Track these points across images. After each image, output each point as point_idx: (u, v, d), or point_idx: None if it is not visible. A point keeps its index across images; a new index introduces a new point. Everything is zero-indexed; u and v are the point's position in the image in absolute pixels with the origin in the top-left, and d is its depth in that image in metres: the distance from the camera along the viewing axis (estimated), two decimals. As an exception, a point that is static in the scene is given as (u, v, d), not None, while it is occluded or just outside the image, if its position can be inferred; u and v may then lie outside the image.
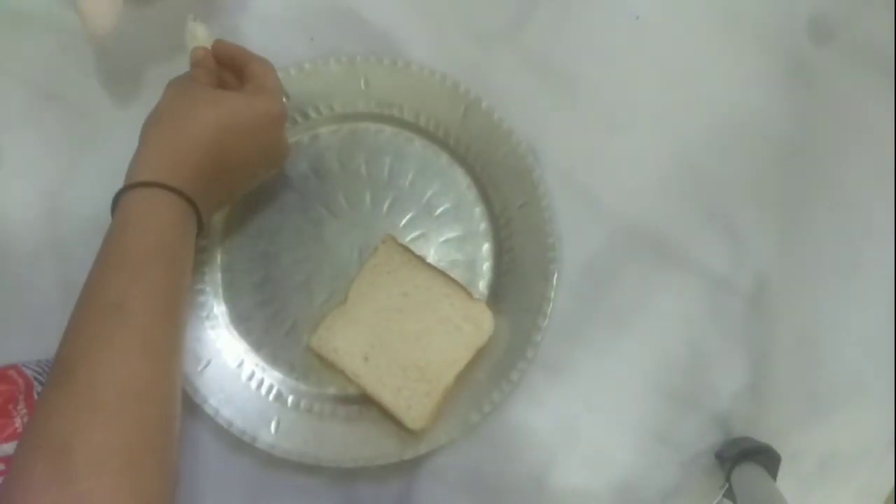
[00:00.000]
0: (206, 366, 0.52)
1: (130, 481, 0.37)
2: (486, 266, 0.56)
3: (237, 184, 0.50)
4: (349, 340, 0.52)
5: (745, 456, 0.53)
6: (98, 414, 0.37)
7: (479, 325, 0.52)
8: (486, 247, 0.56)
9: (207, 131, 0.45)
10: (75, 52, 0.57)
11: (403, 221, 0.56)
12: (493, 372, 0.53)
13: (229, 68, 0.51)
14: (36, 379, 0.47)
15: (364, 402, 0.52)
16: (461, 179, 0.57)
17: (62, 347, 0.40)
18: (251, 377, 0.53)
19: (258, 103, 0.47)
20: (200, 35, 0.52)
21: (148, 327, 0.41)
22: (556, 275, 0.54)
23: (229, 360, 0.53)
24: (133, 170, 0.44)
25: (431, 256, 0.55)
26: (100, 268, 0.42)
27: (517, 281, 0.55)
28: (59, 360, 0.40)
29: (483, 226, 0.57)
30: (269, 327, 0.54)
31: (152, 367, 0.40)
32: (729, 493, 0.53)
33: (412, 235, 0.56)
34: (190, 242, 0.45)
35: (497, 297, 0.55)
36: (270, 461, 0.52)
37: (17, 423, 0.45)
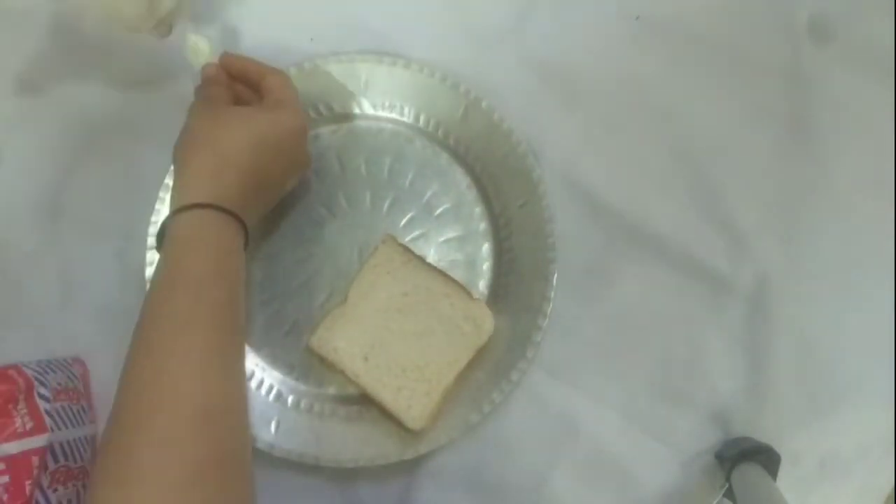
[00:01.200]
0: (206, 366, 0.52)
1: (225, 490, 0.38)
2: (486, 266, 0.56)
3: (272, 196, 0.51)
4: (349, 340, 0.52)
5: (745, 456, 0.53)
6: (188, 430, 0.38)
7: (479, 325, 0.52)
8: (486, 247, 0.56)
9: (243, 152, 0.46)
10: (75, 52, 0.57)
11: (403, 221, 0.56)
12: (493, 372, 0.53)
13: (243, 81, 0.52)
14: (36, 379, 0.48)
15: (364, 402, 0.52)
16: (461, 179, 0.57)
17: (131, 371, 0.40)
18: (251, 377, 0.53)
19: (283, 118, 0.48)
20: (203, 49, 0.52)
21: (218, 343, 0.41)
22: (555, 275, 0.54)
23: (229, 360, 0.53)
24: (180, 194, 0.45)
25: (431, 256, 0.56)
26: (162, 290, 0.42)
27: (517, 281, 0.55)
28: (131, 381, 0.40)
29: (483, 226, 0.57)
30: (269, 327, 0.54)
31: (227, 381, 0.41)
32: (729, 493, 0.53)
33: (412, 235, 0.56)
34: (242, 257, 0.46)
35: (497, 297, 0.55)
36: (270, 461, 0.52)
37: (17, 422, 0.45)
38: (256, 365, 0.53)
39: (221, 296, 0.43)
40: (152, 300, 0.42)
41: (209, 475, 0.37)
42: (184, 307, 0.41)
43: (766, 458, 0.53)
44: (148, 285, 0.52)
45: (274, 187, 0.50)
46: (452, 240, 0.56)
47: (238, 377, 0.43)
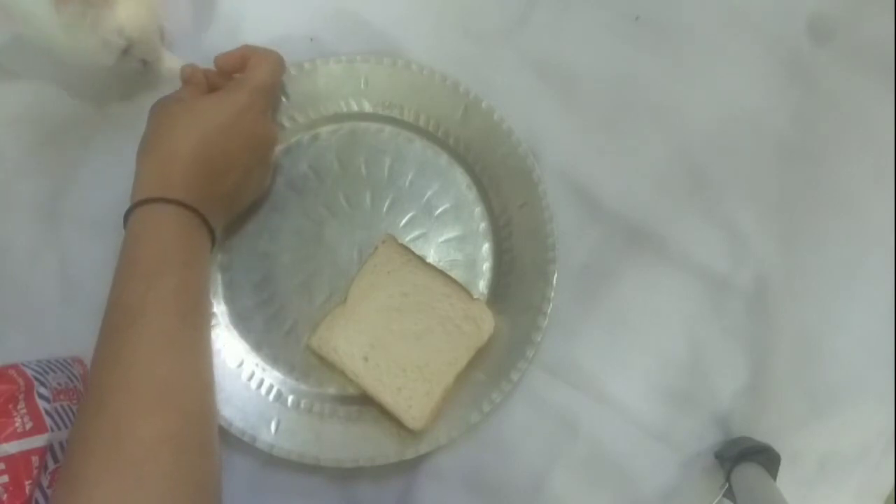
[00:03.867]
0: (206, 366, 0.52)
1: (180, 466, 0.40)
2: (486, 266, 0.56)
3: (237, 184, 0.50)
4: (349, 340, 0.52)
5: (745, 456, 0.53)
6: (140, 408, 0.40)
7: (479, 325, 0.52)
8: (486, 247, 0.56)
9: (189, 138, 0.47)
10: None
11: (403, 221, 0.56)
12: (493, 372, 0.53)
13: (238, 72, 0.52)
14: (36, 378, 0.47)
15: (364, 402, 0.52)
16: (461, 179, 0.57)
17: (95, 358, 0.43)
18: (251, 377, 0.53)
19: (229, 100, 0.49)
20: (177, 69, 0.53)
21: (170, 328, 0.43)
22: (555, 275, 0.54)
23: (229, 360, 0.53)
24: (133, 192, 0.46)
25: (431, 256, 0.56)
26: (117, 282, 0.45)
27: (517, 281, 0.55)
28: (93, 368, 0.43)
29: (483, 226, 0.57)
30: (269, 327, 0.54)
31: (181, 364, 0.43)
32: (729, 493, 0.53)
33: (412, 235, 0.56)
34: (200, 246, 0.47)
35: (497, 297, 0.55)
36: (270, 461, 0.52)
37: (17, 422, 0.45)
38: (256, 365, 0.53)
39: (173, 283, 0.44)
40: (110, 294, 0.44)
41: (162, 452, 0.39)
42: (135, 296, 0.43)
43: (766, 458, 0.53)
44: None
45: (233, 173, 0.49)
46: (452, 240, 0.56)
47: (195, 359, 0.45)
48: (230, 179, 0.49)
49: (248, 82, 0.50)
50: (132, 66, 0.51)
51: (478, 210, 0.57)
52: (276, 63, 0.52)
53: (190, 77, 0.52)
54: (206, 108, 0.48)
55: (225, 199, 0.50)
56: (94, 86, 0.56)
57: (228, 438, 0.51)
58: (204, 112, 0.48)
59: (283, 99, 0.57)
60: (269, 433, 0.51)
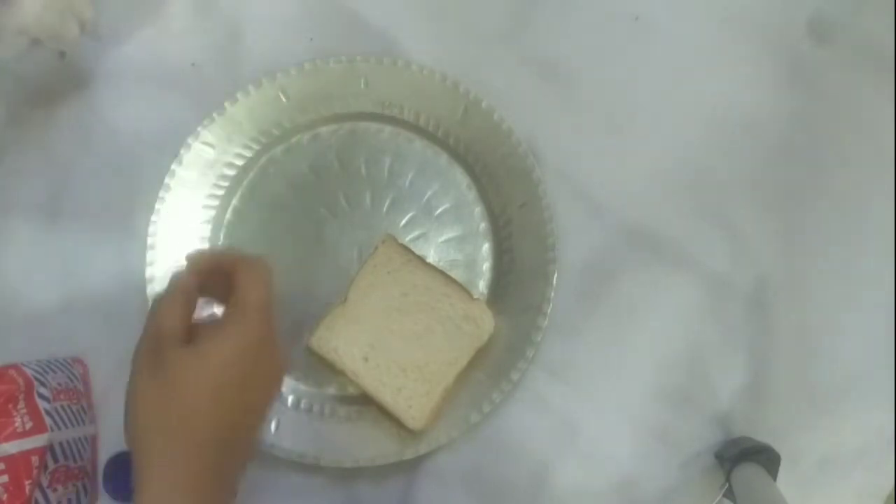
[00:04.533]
0: (206, 366, 0.52)
1: None
2: (486, 266, 0.56)
3: (252, 431, 0.43)
4: (349, 340, 0.52)
5: (745, 456, 0.53)
6: None
7: (479, 324, 0.52)
8: (486, 247, 0.56)
9: (199, 412, 0.39)
10: (75, 52, 0.57)
11: (403, 221, 0.56)
12: (493, 372, 0.53)
13: (216, 275, 0.43)
14: (36, 379, 0.48)
15: (364, 402, 0.52)
16: (461, 179, 0.57)
17: None
18: (251, 377, 0.53)
19: (243, 334, 0.40)
20: None
21: None
22: (555, 275, 0.54)
23: (229, 360, 0.53)
24: (136, 493, 0.38)
25: (431, 256, 0.55)
26: None
27: (517, 281, 0.55)
28: None
29: (483, 226, 0.57)
30: (269, 327, 0.54)
31: None
32: (729, 493, 0.53)
33: (412, 235, 0.56)
34: None
35: (497, 297, 0.55)
36: (270, 461, 0.52)
37: (17, 422, 0.45)
38: (256, 365, 0.53)
39: None
40: None
41: None
42: None
43: (766, 458, 0.53)
44: (148, 285, 0.53)
45: (251, 422, 0.42)
46: (452, 240, 0.56)
47: None
48: (246, 435, 0.42)
49: (263, 306, 0.41)
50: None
51: (478, 210, 0.57)
52: (267, 273, 0.42)
53: (173, 300, 0.41)
54: (218, 360, 0.39)
55: (238, 459, 0.42)
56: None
57: (228, 438, 0.51)
58: (216, 368, 0.39)
59: (284, 99, 0.57)
60: (269, 433, 0.51)
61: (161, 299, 0.41)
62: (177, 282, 0.42)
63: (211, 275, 0.43)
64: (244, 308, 0.40)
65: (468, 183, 0.57)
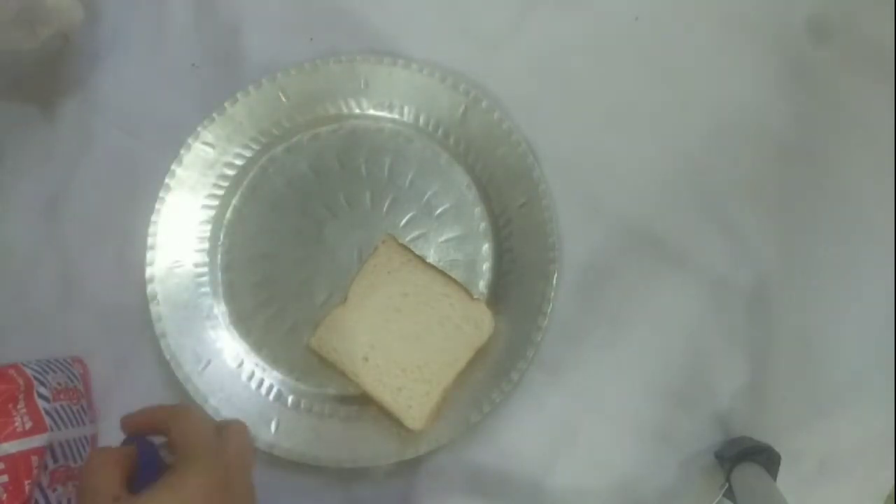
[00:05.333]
0: (206, 366, 0.52)
1: None
2: (486, 266, 0.56)
3: None
4: (349, 340, 0.52)
5: (745, 456, 0.53)
6: None
7: (478, 325, 0.52)
8: (486, 247, 0.56)
9: None
10: (74, 52, 0.57)
11: (403, 221, 0.56)
12: (493, 372, 0.53)
13: (155, 432, 0.41)
14: (36, 378, 0.48)
15: (364, 402, 0.52)
16: (461, 179, 0.57)
17: None
18: (251, 377, 0.53)
19: (195, 485, 0.37)
20: None
21: None
22: (556, 275, 0.54)
23: (229, 360, 0.53)
24: None
25: (431, 256, 0.55)
26: None
27: (517, 281, 0.55)
28: None
29: (483, 226, 0.57)
30: (269, 327, 0.54)
31: None
32: (729, 493, 0.53)
33: (412, 235, 0.56)
34: None
35: (497, 297, 0.55)
36: (270, 461, 0.52)
37: (17, 422, 0.45)
38: (256, 365, 0.53)
39: None
40: None
41: None
42: None
43: (766, 458, 0.53)
44: (148, 285, 0.53)
45: None
46: (452, 240, 0.56)
47: None
48: None
49: (207, 449, 0.39)
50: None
51: (478, 210, 0.57)
52: (202, 420, 0.41)
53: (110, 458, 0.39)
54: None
55: None
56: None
57: (228, 438, 0.51)
58: None
59: (284, 99, 0.57)
60: (269, 433, 0.51)
61: (92, 457, 0.39)
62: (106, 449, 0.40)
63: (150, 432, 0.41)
64: (190, 456, 0.38)
65: (468, 183, 0.57)
